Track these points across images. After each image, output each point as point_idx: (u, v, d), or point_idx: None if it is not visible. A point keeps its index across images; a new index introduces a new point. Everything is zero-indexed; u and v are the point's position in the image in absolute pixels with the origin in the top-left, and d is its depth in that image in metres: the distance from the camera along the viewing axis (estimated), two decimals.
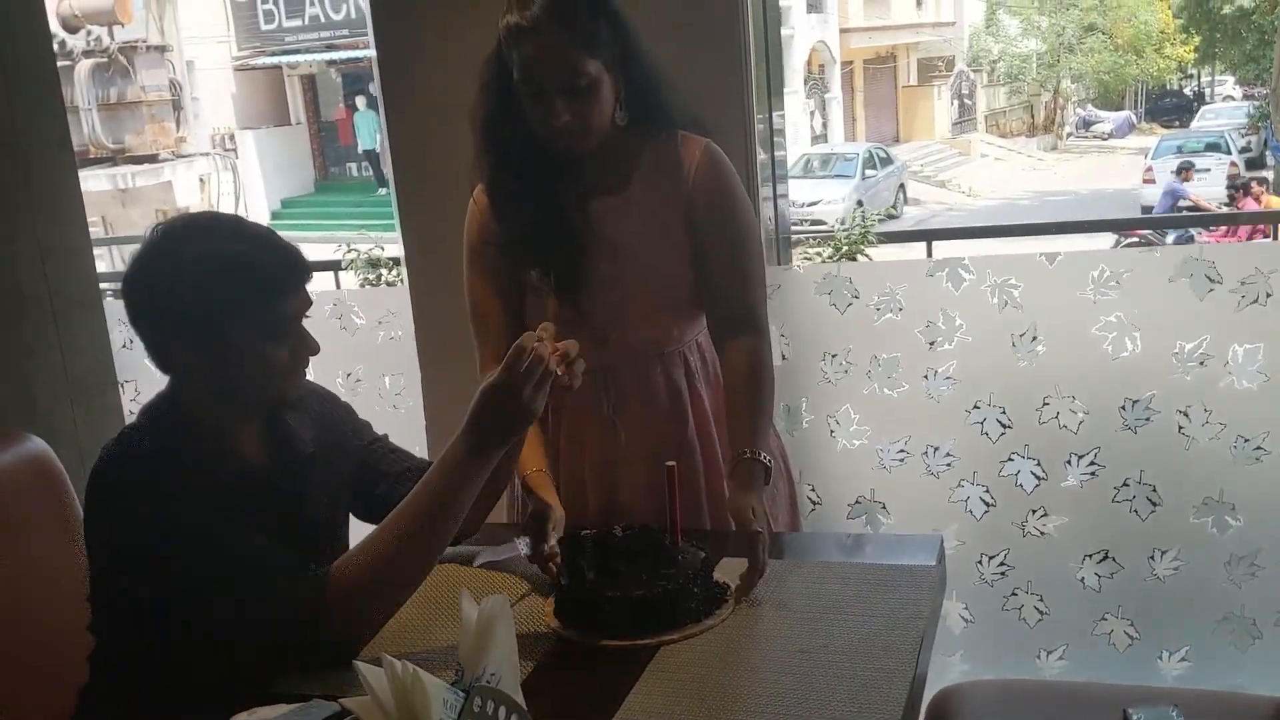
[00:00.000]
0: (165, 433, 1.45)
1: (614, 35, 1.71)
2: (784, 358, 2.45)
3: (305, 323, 1.50)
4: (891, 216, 16.93)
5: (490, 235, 1.84)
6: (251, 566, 1.39)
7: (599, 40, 1.69)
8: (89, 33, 13.85)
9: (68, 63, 13.07)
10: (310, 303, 1.50)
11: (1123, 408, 2.34)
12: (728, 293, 1.83)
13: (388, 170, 2.77)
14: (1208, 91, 28.76)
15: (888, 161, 18.65)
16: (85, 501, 1.44)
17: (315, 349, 1.51)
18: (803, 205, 15.13)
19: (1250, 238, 8.38)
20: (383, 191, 16.58)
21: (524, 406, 1.40)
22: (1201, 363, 2.29)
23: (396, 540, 1.42)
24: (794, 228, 3.14)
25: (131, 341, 2.98)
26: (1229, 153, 16.55)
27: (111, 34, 13.93)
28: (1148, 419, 2.33)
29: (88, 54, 13.80)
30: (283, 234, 1.55)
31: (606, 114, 1.74)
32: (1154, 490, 2.35)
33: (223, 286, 1.41)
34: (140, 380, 3.01)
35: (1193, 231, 9.29)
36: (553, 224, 1.79)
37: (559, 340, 1.44)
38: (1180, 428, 2.32)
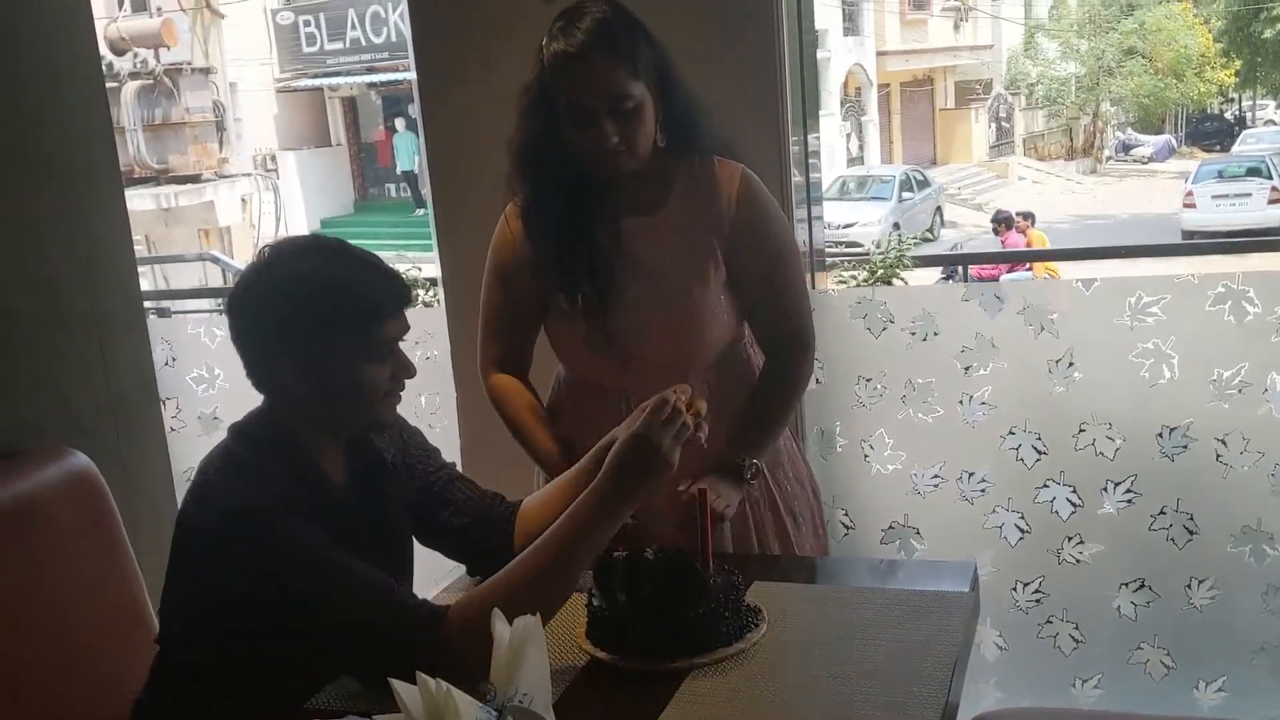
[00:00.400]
0: (266, 454, 1.45)
1: (653, 58, 1.75)
2: (818, 381, 2.45)
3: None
4: (928, 239, 16.85)
5: (520, 257, 1.87)
6: (370, 598, 1.37)
7: (641, 63, 1.72)
8: (135, 55, 14.09)
9: (114, 84, 13.29)
10: (409, 327, 1.52)
11: (1160, 435, 2.32)
12: (777, 314, 1.88)
13: (426, 192, 2.80)
14: (1249, 115, 28.48)
15: (925, 184, 18.58)
16: (187, 523, 1.43)
17: (412, 372, 1.53)
18: (838, 227, 15.08)
19: (1011, 271, 8.60)
20: (421, 212, 16.69)
21: (664, 457, 1.44)
22: (1240, 390, 2.27)
23: (520, 585, 1.40)
24: (829, 250, 3.14)
25: (174, 359, 3.02)
26: (1270, 177, 16.38)
27: (157, 56, 14.17)
28: (1185, 447, 2.31)
29: (134, 76, 14.04)
30: None
31: (650, 135, 1.77)
32: (1191, 519, 2.33)
33: (328, 307, 1.43)
34: (180, 398, 3.05)
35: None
36: (586, 246, 1.81)
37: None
38: (1218, 456, 2.30)
